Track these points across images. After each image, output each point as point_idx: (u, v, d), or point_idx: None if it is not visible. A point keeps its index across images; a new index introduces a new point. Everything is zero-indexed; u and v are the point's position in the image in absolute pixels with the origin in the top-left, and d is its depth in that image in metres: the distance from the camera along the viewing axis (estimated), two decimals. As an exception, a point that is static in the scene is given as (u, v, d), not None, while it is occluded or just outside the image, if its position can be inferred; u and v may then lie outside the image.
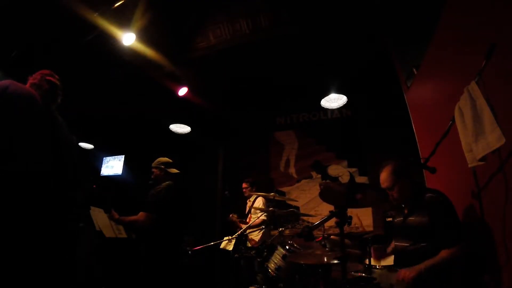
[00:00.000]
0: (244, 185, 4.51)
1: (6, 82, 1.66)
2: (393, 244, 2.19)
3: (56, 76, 1.99)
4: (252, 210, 4.30)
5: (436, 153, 2.27)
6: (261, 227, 4.06)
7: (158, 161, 3.09)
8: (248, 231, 3.94)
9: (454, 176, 2.22)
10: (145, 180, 3.16)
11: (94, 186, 3.33)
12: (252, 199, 4.44)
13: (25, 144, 1.58)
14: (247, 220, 4.25)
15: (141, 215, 2.74)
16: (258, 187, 4.50)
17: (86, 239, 3.25)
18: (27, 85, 1.87)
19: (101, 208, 2.76)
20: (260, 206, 4.19)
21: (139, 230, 2.82)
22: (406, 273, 1.71)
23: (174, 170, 3.07)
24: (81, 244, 3.25)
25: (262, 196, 4.09)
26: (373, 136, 5.05)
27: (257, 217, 3.99)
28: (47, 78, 1.91)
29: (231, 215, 4.28)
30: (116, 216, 2.73)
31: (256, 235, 4.12)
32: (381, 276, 1.95)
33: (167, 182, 2.94)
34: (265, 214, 3.86)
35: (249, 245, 4.08)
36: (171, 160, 3.12)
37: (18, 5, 3.24)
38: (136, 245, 2.95)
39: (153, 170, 3.07)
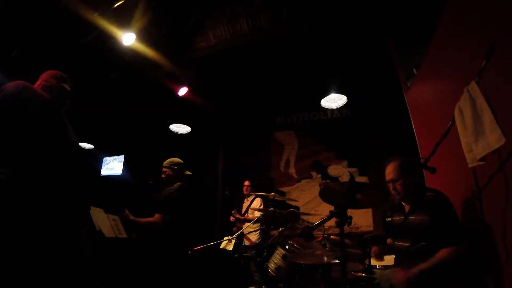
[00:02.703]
0: (246, 183, 4.56)
1: (19, 84, 1.63)
2: (390, 241, 2.19)
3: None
4: (250, 210, 4.32)
5: (436, 153, 2.27)
6: (258, 228, 4.08)
7: (171, 161, 2.96)
8: (246, 230, 3.96)
9: (454, 176, 2.21)
10: (145, 180, 3.15)
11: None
12: (250, 198, 4.47)
13: (38, 150, 1.58)
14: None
15: (157, 217, 2.69)
16: (256, 188, 4.53)
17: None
18: (38, 84, 1.84)
19: (111, 209, 2.71)
20: (258, 207, 4.21)
21: (153, 230, 2.77)
22: (401, 276, 1.72)
23: (187, 172, 3.01)
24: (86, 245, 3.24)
25: (261, 196, 4.10)
26: (373, 136, 5.05)
27: (253, 216, 4.00)
28: (65, 85, 1.91)
29: (233, 211, 4.28)
30: (131, 217, 2.66)
31: (253, 235, 4.13)
32: (381, 276, 1.95)
33: (179, 183, 2.86)
34: (261, 213, 3.88)
35: (246, 243, 4.08)
36: (183, 162, 3.03)
37: (17, 5, 3.24)
38: (147, 245, 2.91)
39: (165, 169, 2.94)
